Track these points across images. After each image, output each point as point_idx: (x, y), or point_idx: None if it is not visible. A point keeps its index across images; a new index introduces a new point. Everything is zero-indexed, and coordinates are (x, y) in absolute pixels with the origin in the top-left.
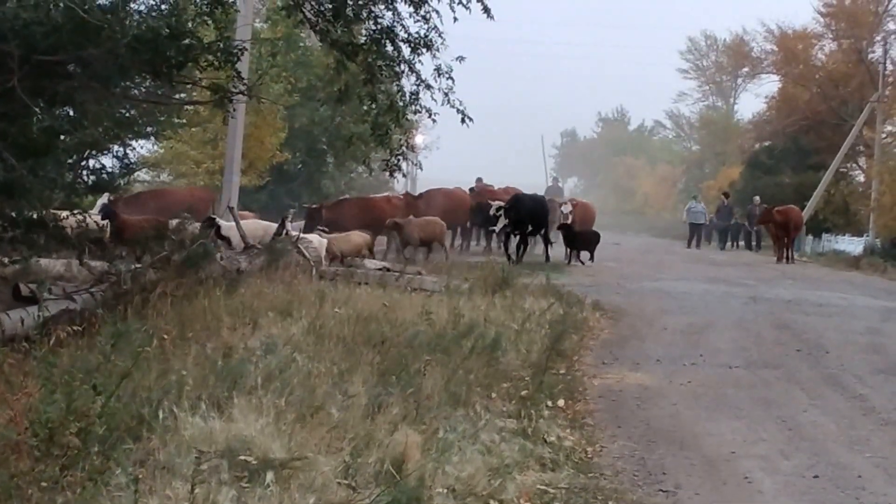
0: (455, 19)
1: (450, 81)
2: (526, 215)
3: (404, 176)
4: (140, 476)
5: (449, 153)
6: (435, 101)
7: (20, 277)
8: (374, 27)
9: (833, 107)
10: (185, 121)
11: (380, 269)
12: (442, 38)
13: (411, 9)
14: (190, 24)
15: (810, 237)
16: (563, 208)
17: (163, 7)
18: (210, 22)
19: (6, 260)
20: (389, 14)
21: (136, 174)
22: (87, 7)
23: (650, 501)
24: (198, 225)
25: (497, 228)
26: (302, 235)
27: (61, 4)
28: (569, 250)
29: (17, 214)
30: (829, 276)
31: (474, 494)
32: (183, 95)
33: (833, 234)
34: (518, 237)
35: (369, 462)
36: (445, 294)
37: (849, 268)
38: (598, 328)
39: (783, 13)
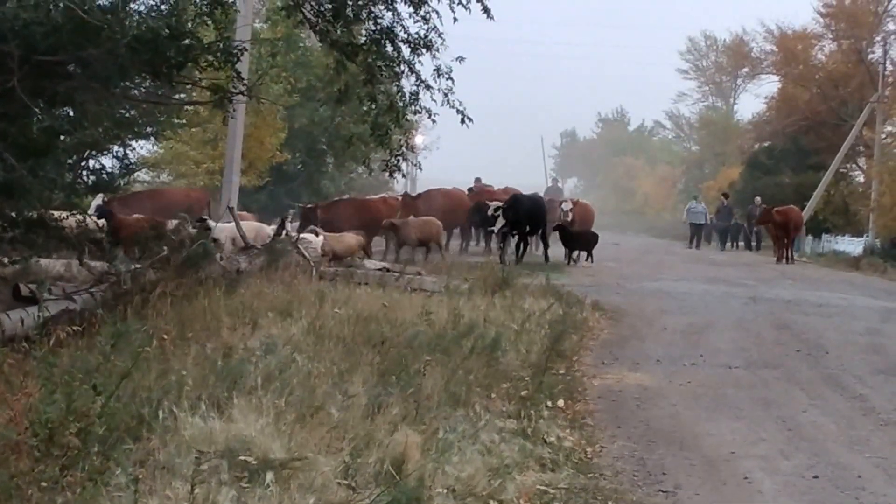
0: (455, 20)
1: (449, 82)
2: (524, 216)
3: (404, 176)
4: (140, 476)
5: (449, 153)
6: (435, 101)
7: (20, 278)
8: (373, 27)
9: (833, 107)
10: (184, 121)
11: (379, 270)
12: (442, 38)
13: (411, 9)
14: (190, 25)
15: (810, 237)
16: (563, 206)
17: (163, 7)
18: (210, 22)
19: (6, 260)
20: (389, 14)
21: (135, 174)
22: (86, 7)
23: (650, 502)
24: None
25: (495, 228)
26: (300, 235)
27: (61, 5)
28: (571, 251)
29: (17, 215)
30: (828, 277)
31: (474, 495)
32: (183, 96)
33: (833, 234)
34: (517, 237)
35: (369, 462)
36: (445, 294)
37: (849, 268)
38: (597, 328)
39: (783, 13)
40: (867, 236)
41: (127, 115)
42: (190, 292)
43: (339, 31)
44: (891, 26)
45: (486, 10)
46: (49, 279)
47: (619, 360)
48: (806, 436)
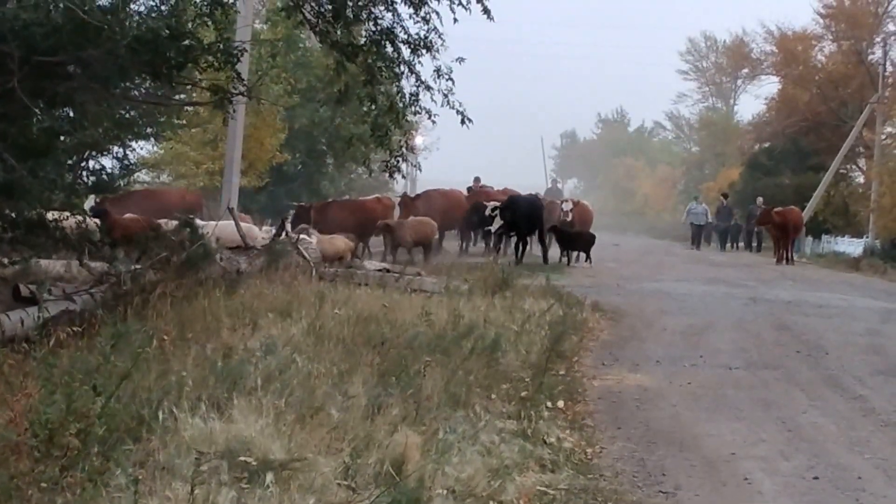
0: (455, 20)
1: (449, 82)
2: (521, 216)
3: (404, 177)
4: (140, 477)
5: (449, 154)
6: (435, 102)
7: (20, 278)
8: (373, 28)
9: (833, 108)
10: (184, 122)
11: (379, 270)
12: (442, 39)
13: (411, 10)
14: (190, 25)
15: (810, 238)
16: (563, 206)
17: (163, 8)
18: (210, 23)
19: (6, 261)
20: (389, 15)
21: (135, 175)
22: (87, 8)
23: (650, 502)
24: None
25: (493, 229)
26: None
27: (61, 5)
28: (567, 251)
29: (17, 215)
30: (828, 278)
31: (474, 495)
32: (183, 96)
33: (833, 235)
34: (515, 238)
35: (369, 463)
36: (445, 295)
37: (848, 269)
38: (597, 329)
39: (783, 14)
40: (867, 237)
41: (127, 115)
42: (190, 293)
43: (339, 32)
44: (891, 27)
45: (486, 11)
46: (49, 280)
47: (619, 361)
48: (806, 437)
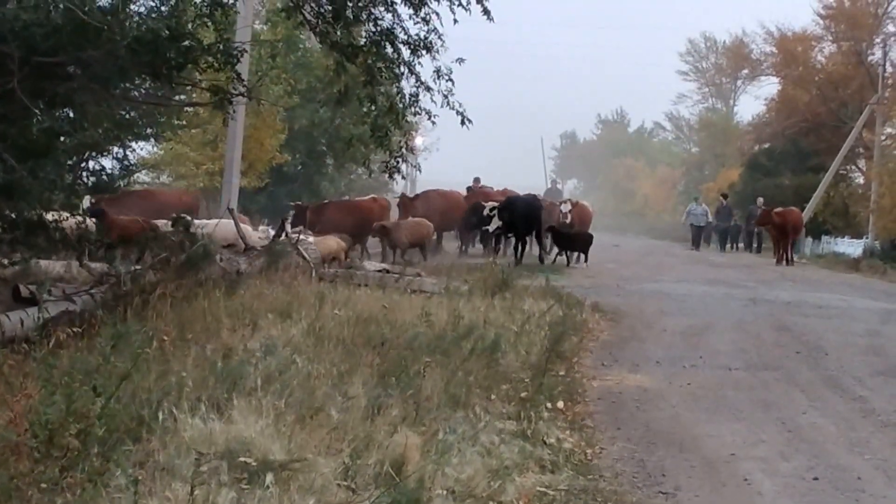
0: (455, 21)
1: (449, 83)
2: (518, 217)
3: (403, 178)
4: (140, 477)
5: (448, 155)
6: (435, 102)
7: (20, 279)
8: (373, 29)
9: (832, 109)
10: (184, 122)
11: (379, 271)
12: (442, 39)
13: (411, 11)
14: (190, 26)
15: (810, 239)
16: (562, 207)
17: (163, 9)
18: (210, 23)
19: (6, 261)
20: (389, 16)
21: (135, 176)
22: (86, 8)
23: (650, 503)
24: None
25: (491, 229)
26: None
27: (61, 6)
28: (565, 252)
29: (17, 216)
30: (828, 278)
31: (474, 496)
32: (183, 97)
33: (832, 236)
34: (514, 238)
35: (369, 464)
36: (445, 296)
37: (848, 270)
38: (597, 330)
39: (783, 15)
40: (867, 238)
41: (127, 116)
42: (190, 294)
43: (339, 33)
44: (891, 28)
45: (486, 12)
46: (49, 280)
47: (619, 362)
48: (806, 437)
